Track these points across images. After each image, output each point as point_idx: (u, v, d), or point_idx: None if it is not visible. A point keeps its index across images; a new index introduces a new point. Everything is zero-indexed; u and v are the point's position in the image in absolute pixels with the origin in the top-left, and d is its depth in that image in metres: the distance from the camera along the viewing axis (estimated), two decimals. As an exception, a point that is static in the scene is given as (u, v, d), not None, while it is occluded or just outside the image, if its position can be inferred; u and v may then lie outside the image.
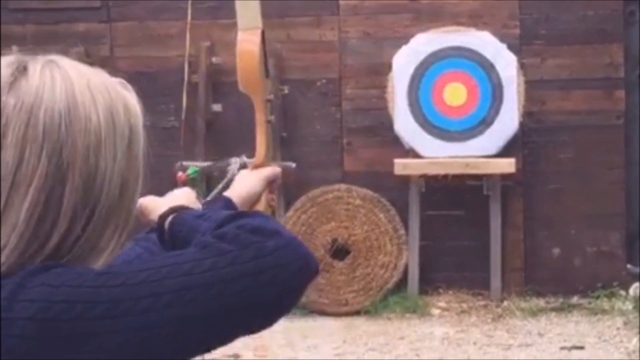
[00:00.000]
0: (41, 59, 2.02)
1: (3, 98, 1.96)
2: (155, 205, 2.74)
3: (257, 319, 1.90)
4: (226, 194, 3.03)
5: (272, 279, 1.84)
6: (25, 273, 1.90)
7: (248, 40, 3.31)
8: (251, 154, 3.42)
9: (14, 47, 1.87)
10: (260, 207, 3.11)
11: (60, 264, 1.94)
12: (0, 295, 1.88)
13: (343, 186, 10.18)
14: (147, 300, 1.83)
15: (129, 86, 2.11)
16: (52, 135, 1.95)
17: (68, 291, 1.86)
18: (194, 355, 1.94)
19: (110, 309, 1.83)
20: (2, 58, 2.02)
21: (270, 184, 3.15)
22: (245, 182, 3.04)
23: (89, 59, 2.26)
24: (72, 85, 1.99)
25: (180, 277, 1.84)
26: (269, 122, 3.41)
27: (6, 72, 1.99)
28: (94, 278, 1.88)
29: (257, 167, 3.20)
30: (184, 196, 2.75)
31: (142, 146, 2.10)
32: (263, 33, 3.32)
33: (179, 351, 1.89)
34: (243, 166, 3.50)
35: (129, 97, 2.09)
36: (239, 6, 3.33)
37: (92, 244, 2.00)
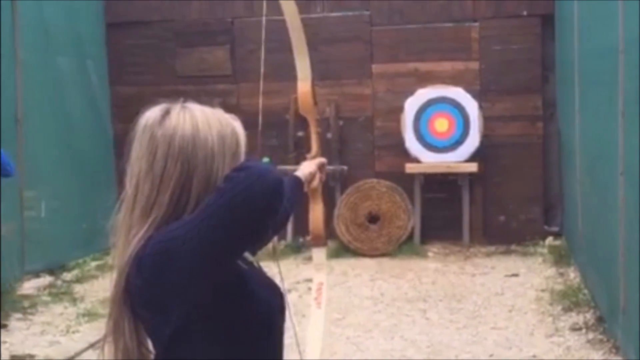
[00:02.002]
0: (179, 106, 2.06)
1: (156, 130, 2.01)
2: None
3: (251, 223, 1.83)
4: (296, 172, 3.11)
5: (245, 197, 1.79)
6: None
7: (304, 85, 3.45)
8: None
9: (181, 99, 1.92)
10: (315, 181, 3.20)
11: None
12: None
13: (375, 180, 10.13)
14: (190, 232, 1.83)
15: (236, 117, 2.11)
16: (183, 152, 1.99)
17: (162, 236, 1.92)
18: (233, 256, 1.92)
19: (176, 243, 1.86)
20: (157, 106, 2.07)
21: (320, 168, 3.21)
22: (307, 166, 3.10)
23: (224, 106, 2.32)
24: (196, 121, 2.02)
25: (202, 212, 1.84)
26: (318, 132, 3.53)
27: (158, 114, 2.04)
28: (173, 227, 1.91)
29: (313, 158, 3.31)
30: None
31: (243, 153, 2.09)
32: (312, 80, 3.46)
33: (219, 257, 1.86)
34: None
35: (235, 125, 2.09)
36: (298, 66, 3.47)
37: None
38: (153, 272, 1.90)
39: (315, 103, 3.52)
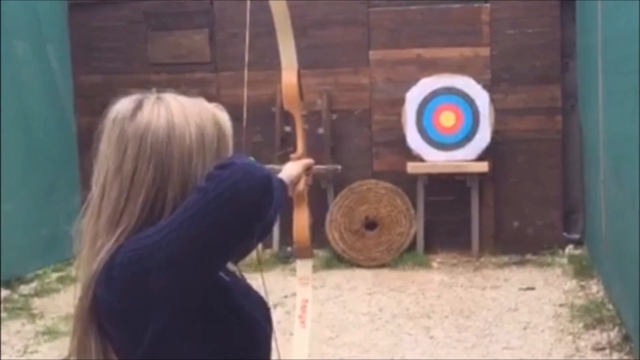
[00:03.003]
0: (153, 97, 2.05)
1: (126, 126, 2.00)
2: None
3: (238, 225, 1.84)
4: (280, 175, 3.11)
5: (232, 195, 1.81)
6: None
7: (289, 75, 3.44)
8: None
9: (154, 89, 1.92)
10: (301, 185, 3.20)
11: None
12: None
13: (373, 181, 10.15)
14: (168, 237, 1.83)
15: (221, 107, 2.12)
16: (157, 151, 1.98)
17: (134, 243, 1.91)
18: (218, 262, 1.92)
19: (151, 250, 1.85)
20: (129, 97, 2.07)
21: (307, 169, 3.20)
22: (291, 167, 3.11)
23: (202, 97, 2.36)
24: (172, 116, 2.01)
25: (181, 214, 1.84)
26: (304, 129, 3.52)
27: (129, 106, 2.04)
28: (147, 232, 1.91)
29: (298, 158, 3.30)
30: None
31: (230, 148, 2.10)
32: (298, 71, 3.44)
33: (203, 263, 1.87)
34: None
35: (219, 116, 2.09)
36: (282, 54, 3.45)
37: None
38: (125, 285, 1.89)
39: (302, 96, 3.51)
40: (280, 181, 3.09)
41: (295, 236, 3.57)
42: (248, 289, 2.20)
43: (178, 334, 1.95)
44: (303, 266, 3.67)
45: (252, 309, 2.13)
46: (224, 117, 2.11)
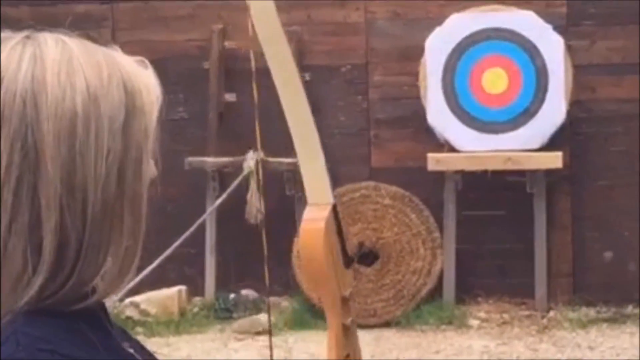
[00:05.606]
0: (19, 36, 1.95)
1: None
2: None
3: None
4: None
5: None
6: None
7: (315, 217, 3.12)
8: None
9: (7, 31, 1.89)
10: None
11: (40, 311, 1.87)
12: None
13: (371, 184, 10.13)
14: None
15: (146, 63, 2.04)
16: (13, 119, 1.88)
17: (29, 352, 1.82)
18: None
19: None
20: None
21: None
22: None
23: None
24: (43, 65, 1.90)
25: None
26: (348, 328, 3.30)
27: None
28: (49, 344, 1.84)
29: None
30: None
31: (150, 128, 1.99)
32: (335, 208, 3.12)
33: None
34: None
35: (134, 76, 1.98)
36: (305, 177, 3.19)
37: (98, 246, 1.91)
38: None
39: (349, 261, 3.25)
40: None
41: None
42: None
43: None
44: None
45: None
46: (145, 80, 2.02)
